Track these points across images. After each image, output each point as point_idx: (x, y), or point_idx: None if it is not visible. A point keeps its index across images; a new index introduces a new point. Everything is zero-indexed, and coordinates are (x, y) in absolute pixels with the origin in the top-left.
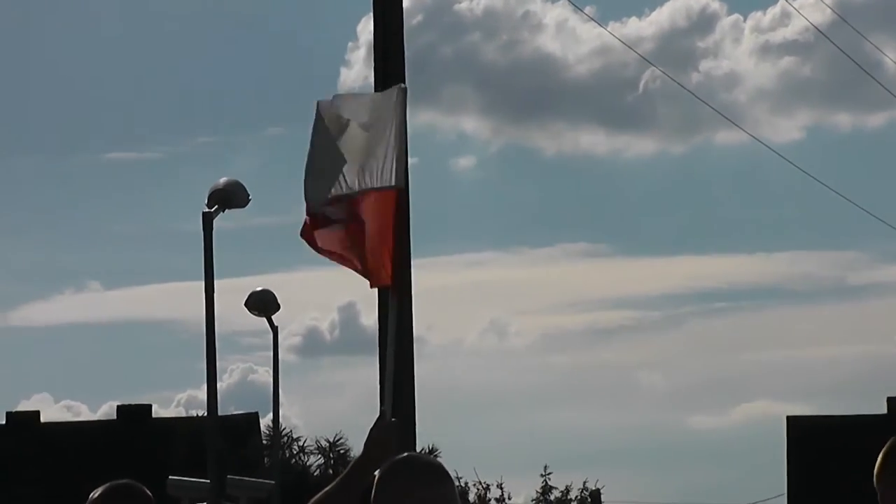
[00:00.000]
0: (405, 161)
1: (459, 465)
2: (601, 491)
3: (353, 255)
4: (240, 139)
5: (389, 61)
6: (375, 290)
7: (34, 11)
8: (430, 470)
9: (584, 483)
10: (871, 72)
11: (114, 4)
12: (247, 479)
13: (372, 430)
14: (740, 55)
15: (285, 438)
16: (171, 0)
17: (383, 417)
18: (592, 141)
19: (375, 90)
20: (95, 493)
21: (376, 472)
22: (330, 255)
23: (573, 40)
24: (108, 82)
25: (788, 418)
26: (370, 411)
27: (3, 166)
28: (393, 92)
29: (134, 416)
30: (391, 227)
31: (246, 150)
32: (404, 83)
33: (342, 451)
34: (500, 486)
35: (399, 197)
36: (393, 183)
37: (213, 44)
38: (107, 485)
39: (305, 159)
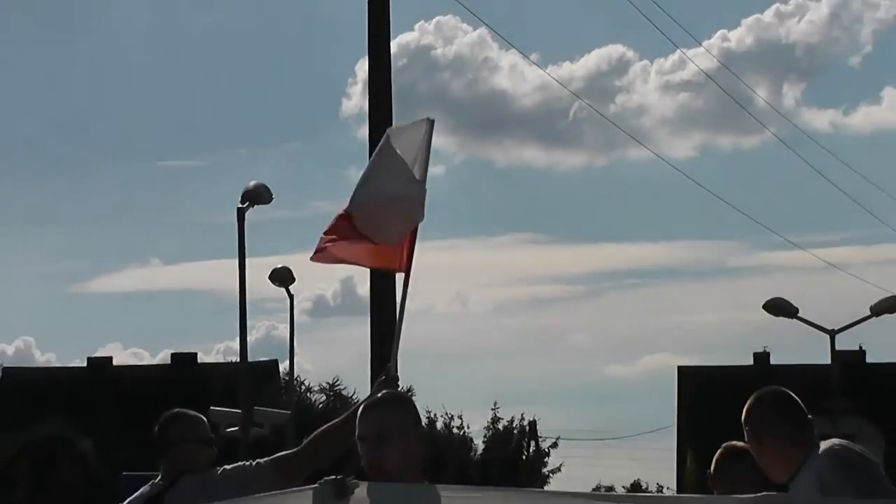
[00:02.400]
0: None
1: (430, 402)
2: (537, 421)
3: (368, 255)
4: (265, 151)
5: (380, 93)
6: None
7: (103, 44)
8: (372, 404)
9: (523, 415)
10: (745, 105)
11: (162, 50)
12: (269, 410)
13: (378, 383)
14: (647, 91)
15: (297, 380)
16: (211, 42)
17: (388, 371)
18: (534, 155)
19: (369, 116)
20: (168, 415)
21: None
22: (342, 260)
23: (521, 79)
24: (162, 107)
25: (679, 368)
26: (362, 360)
27: (85, 171)
28: (422, 124)
29: (184, 361)
30: (410, 243)
31: (270, 159)
32: (391, 111)
33: (340, 390)
34: (460, 417)
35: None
36: (417, 221)
37: (245, 77)
38: (173, 410)
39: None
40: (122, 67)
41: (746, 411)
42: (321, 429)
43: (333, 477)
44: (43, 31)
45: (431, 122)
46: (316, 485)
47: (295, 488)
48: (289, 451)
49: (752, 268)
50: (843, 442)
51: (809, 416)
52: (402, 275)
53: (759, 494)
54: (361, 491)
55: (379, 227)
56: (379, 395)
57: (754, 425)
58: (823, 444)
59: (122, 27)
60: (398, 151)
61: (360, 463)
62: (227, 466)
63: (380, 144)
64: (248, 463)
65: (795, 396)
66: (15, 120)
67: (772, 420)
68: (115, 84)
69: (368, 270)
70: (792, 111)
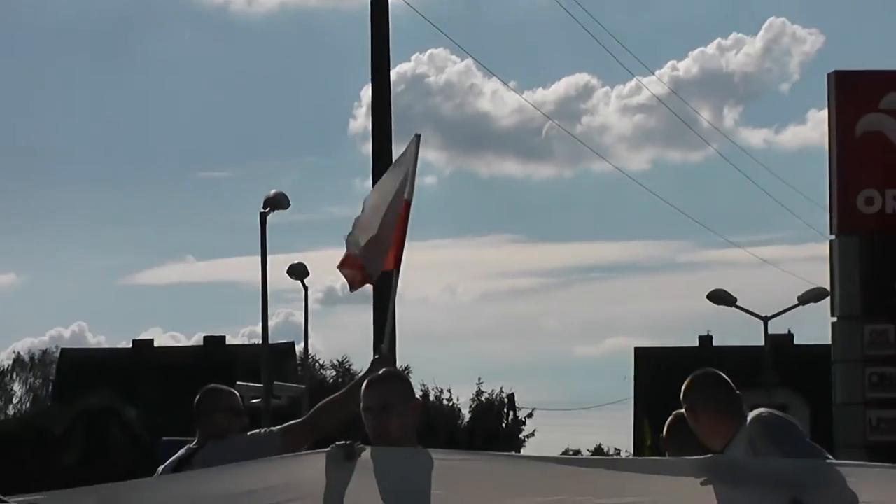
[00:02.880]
0: (413, 185)
1: (424, 378)
2: (514, 394)
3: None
4: (284, 164)
5: (382, 114)
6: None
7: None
8: (378, 378)
9: (503, 389)
10: (691, 125)
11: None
12: (286, 384)
13: (373, 361)
14: (608, 113)
15: (311, 359)
16: (239, 72)
17: (381, 351)
18: (512, 167)
19: (372, 134)
20: (204, 388)
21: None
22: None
23: (501, 102)
24: (201, 127)
25: (636, 349)
26: (365, 342)
27: (134, 179)
28: (413, 142)
29: (214, 343)
30: (402, 230)
31: (288, 171)
32: (391, 129)
33: (347, 367)
34: (449, 391)
35: (407, 207)
36: (406, 197)
37: (267, 102)
38: (209, 385)
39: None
40: (169, 94)
41: (684, 391)
42: (323, 402)
43: (344, 442)
44: (101, 61)
45: (418, 137)
46: (329, 448)
47: (312, 450)
48: (296, 421)
49: (697, 263)
50: (769, 410)
51: (738, 392)
52: (394, 272)
53: (706, 456)
54: (367, 454)
55: (368, 236)
56: (381, 371)
57: (690, 402)
58: (751, 413)
59: (168, 60)
60: (389, 175)
61: (364, 430)
62: (248, 433)
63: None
64: (261, 431)
65: (724, 376)
66: (79, 136)
67: (704, 397)
68: (163, 107)
69: None
70: (731, 130)
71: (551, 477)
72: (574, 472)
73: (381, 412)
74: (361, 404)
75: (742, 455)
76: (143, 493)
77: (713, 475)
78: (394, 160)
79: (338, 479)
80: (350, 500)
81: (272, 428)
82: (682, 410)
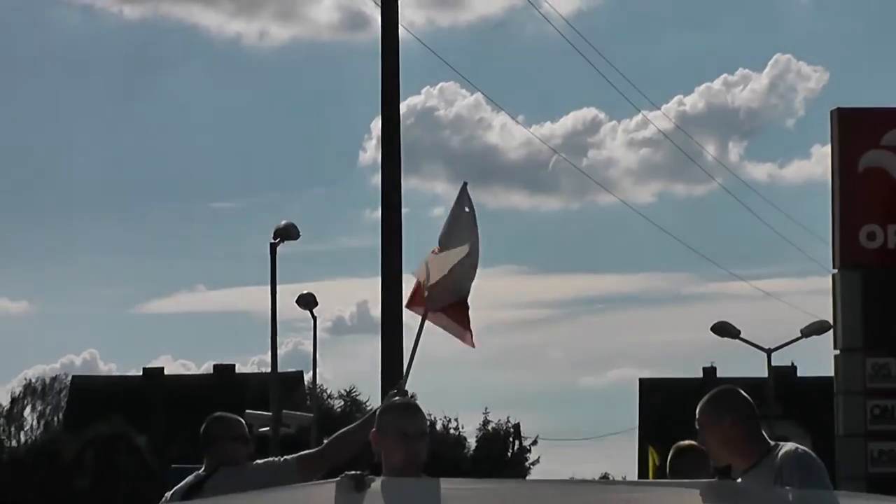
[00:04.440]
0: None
1: (432, 406)
2: (520, 424)
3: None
4: (295, 195)
5: (392, 147)
6: (379, 292)
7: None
8: (407, 405)
9: (509, 418)
10: (696, 159)
11: (212, 113)
12: (295, 413)
13: (392, 392)
14: (614, 147)
15: (319, 388)
16: (251, 106)
17: (399, 387)
18: (519, 199)
19: (382, 166)
20: (211, 417)
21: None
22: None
23: (509, 136)
24: (212, 158)
25: (640, 379)
26: (374, 371)
27: (146, 210)
28: (464, 194)
29: (224, 371)
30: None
31: (299, 202)
32: (400, 162)
33: (355, 396)
34: (456, 420)
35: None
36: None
37: (279, 134)
38: (216, 413)
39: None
40: (181, 126)
41: (711, 401)
42: (337, 433)
43: (353, 472)
44: (115, 94)
45: (464, 185)
46: (338, 478)
47: (320, 481)
48: (311, 451)
49: (701, 295)
50: (804, 447)
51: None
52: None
53: (710, 480)
54: (377, 485)
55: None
56: (408, 400)
57: (719, 413)
58: (787, 445)
59: (180, 93)
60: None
61: (373, 460)
62: (259, 461)
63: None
64: (276, 459)
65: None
66: (90, 167)
67: (740, 410)
68: (175, 139)
69: (379, 295)
70: (736, 165)
71: (558, 501)
72: (580, 496)
73: (420, 438)
74: (395, 428)
75: (762, 482)
76: None
77: (719, 500)
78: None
79: None
80: None
81: (287, 457)
82: (682, 443)
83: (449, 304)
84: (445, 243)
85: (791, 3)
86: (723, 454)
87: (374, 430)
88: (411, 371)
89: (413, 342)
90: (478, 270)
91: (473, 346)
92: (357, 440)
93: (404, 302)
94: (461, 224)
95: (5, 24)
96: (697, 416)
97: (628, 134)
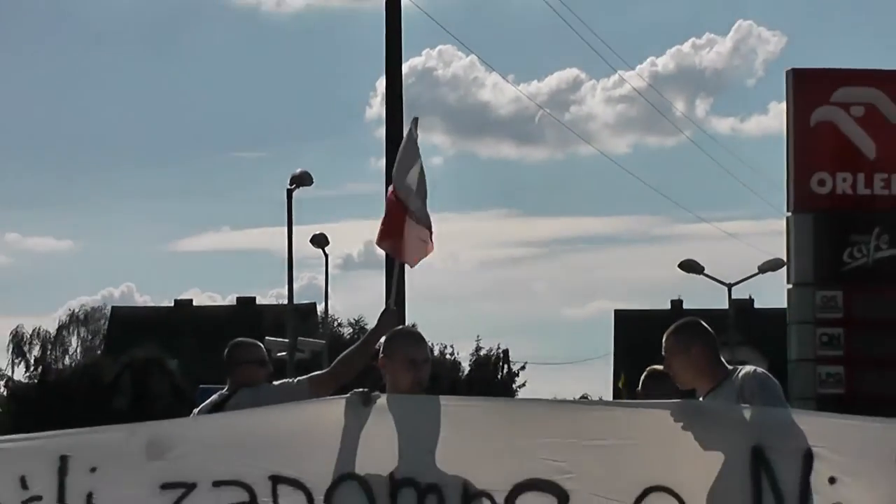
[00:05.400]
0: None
1: (430, 334)
2: (509, 350)
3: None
4: (308, 145)
5: (394, 103)
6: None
7: (195, 65)
8: (413, 335)
9: (499, 345)
10: (666, 114)
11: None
12: (309, 339)
13: (381, 314)
14: (594, 103)
15: (330, 317)
16: (270, 66)
17: (388, 307)
18: (508, 150)
19: (386, 121)
20: (233, 342)
21: (383, 337)
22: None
23: (500, 93)
24: (236, 112)
25: (615, 311)
26: (378, 302)
27: (180, 159)
28: (412, 124)
29: (246, 302)
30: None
31: (312, 152)
32: (402, 116)
33: (362, 325)
34: (451, 346)
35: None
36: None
37: (294, 92)
38: (238, 339)
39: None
40: (207, 83)
41: (676, 330)
42: (343, 354)
43: (361, 389)
44: (147, 54)
45: (415, 119)
46: (347, 395)
47: (332, 397)
48: (321, 372)
49: (670, 236)
50: (762, 369)
51: None
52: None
53: (677, 400)
54: (382, 401)
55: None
56: (413, 329)
57: (685, 341)
58: (747, 367)
59: (206, 54)
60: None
61: (381, 381)
62: (276, 382)
63: (403, 142)
64: (291, 380)
65: None
66: (128, 121)
67: (702, 338)
68: (201, 95)
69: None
70: (702, 119)
71: (542, 419)
72: (563, 415)
73: (424, 364)
74: (402, 355)
75: (724, 400)
76: (183, 430)
77: (686, 418)
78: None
79: (355, 421)
80: (365, 440)
81: (301, 377)
82: (654, 367)
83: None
84: (399, 181)
85: None
86: (688, 378)
87: (382, 355)
88: (405, 297)
89: (397, 272)
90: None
91: (412, 265)
92: (360, 359)
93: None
94: (407, 155)
95: None
96: (664, 345)
97: (606, 91)
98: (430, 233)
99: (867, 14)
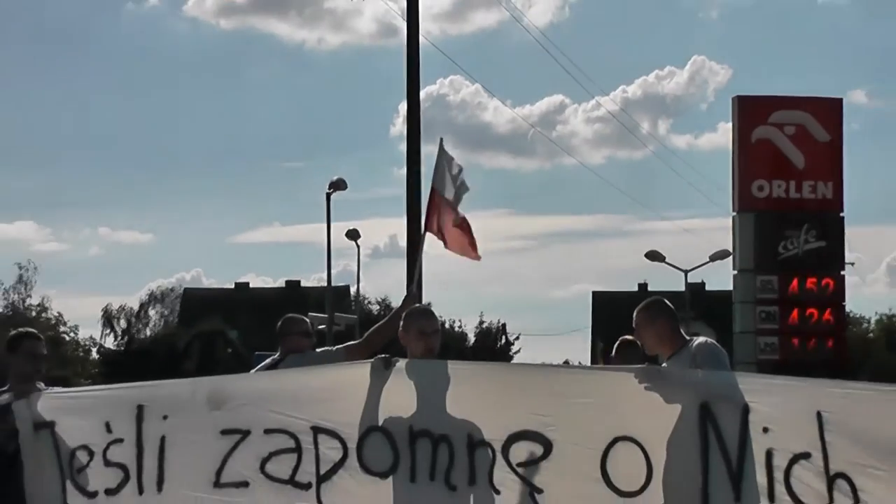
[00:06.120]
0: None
1: (442, 311)
2: (506, 324)
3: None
4: (343, 157)
5: (414, 122)
6: (405, 228)
7: (252, 92)
8: (425, 311)
9: (499, 320)
10: (634, 132)
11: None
12: (344, 315)
13: (405, 297)
14: (576, 123)
15: (362, 297)
16: (312, 91)
17: (410, 291)
18: (506, 161)
19: (407, 137)
20: (284, 317)
21: (403, 314)
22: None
23: (500, 115)
24: (288, 129)
25: (593, 292)
26: (401, 285)
27: (240, 167)
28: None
29: (293, 285)
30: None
31: (346, 162)
32: (420, 134)
33: (388, 304)
34: (460, 321)
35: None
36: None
37: (333, 112)
38: (287, 315)
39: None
40: (262, 107)
41: (647, 306)
42: (373, 328)
43: (383, 355)
44: (214, 83)
45: (440, 140)
46: (372, 359)
47: (360, 361)
48: (354, 342)
49: (638, 231)
50: (712, 340)
51: None
52: (430, 238)
53: (640, 365)
54: (401, 364)
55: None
56: (425, 307)
57: (652, 314)
58: (700, 338)
59: (261, 82)
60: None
61: (403, 348)
62: (318, 349)
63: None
64: (330, 348)
65: None
66: (199, 137)
67: (666, 312)
68: (258, 117)
69: (406, 232)
70: (664, 136)
71: (532, 381)
72: (549, 377)
73: (434, 335)
74: (416, 328)
75: (681, 366)
76: (238, 384)
77: (648, 380)
78: (426, 157)
79: (378, 382)
80: (387, 397)
81: (338, 346)
82: (625, 337)
83: (454, 226)
84: (440, 188)
85: (706, 17)
86: (654, 346)
87: (401, 329)
88: (423, 282)
89: (418, 262)
90: (476, 213)
91: (478, 258)
92: (388, 332)
93: (422, 232)
94: (443, 169)
95: (139, 35)
96: (635, 319)
97: (586, 113)
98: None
99: (799, 50)
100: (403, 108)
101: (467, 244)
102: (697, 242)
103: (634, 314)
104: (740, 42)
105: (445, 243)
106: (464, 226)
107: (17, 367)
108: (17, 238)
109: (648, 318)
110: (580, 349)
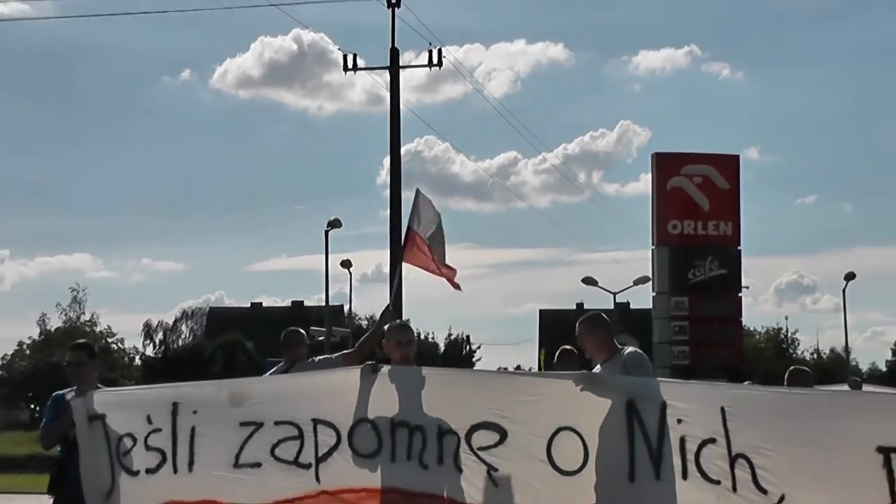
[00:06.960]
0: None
1: (417, 324)
2: (469, 336)
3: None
4: (338, 201)
5: (396, 173)
6: (388, 258)
7: (267, 144)
8: (401, 325)
9: (462, 332)
10: (573, 181)
11: (291, 150)
12: (339, 329)
13: (382, 311)
14: (526, 174)
15: (353, 315)
16: (308, 145)
17: (387, 307)
18: (469, 205)
19: (390, 185)
20: (288, 330)
21: (385, 327)
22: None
23: (464, 167)
24: (292, 178)
25: (540, 310)
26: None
27: (254, 208)
28: (416, 193)
29: (298, 304)
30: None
31: (341, 205)
32: (401, 183)
33: (376, 320)
34: (432, 333)
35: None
36: (415, 227)
37: (328, 166)
38: (291, 328)
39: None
40: (271, 160)
41: (588, 318)
42: (361, 339)
43: (371, 362)
44: (230, 140)
45: (417, 190)
46: (361, 366)
47: (352, 367)
48: (349, 350)
49: (576, 261)
50: (639, 350)
51: None
52: (405, 265)
53: (578, 371)
54: (385, 370)
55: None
56: (406, 320)
57: (592, 324)
58: (629, 348)
59: (271, 141)
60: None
61: (387, 357)
62: (319, 357)
63: (414, 202)
64: (329, 356)
65: None
66: (218, 184)
67: (604, 323)
68: (268, 170)
69: (388, 262)
70: (597, 184)
71: (490, 383)
72: (504, 380)
73: (409, 345)
74: (394, 339)
75: (613, 371)
76: (254, 386)
77: (585, 383)
78: (405, 202)
79: (367, 384)
80: (374, 395)
81: (335, 354)
82: (565, 347)
83: (439, 263)
84: (424, 229)
85: (631, 90)
86: (593, 351)
87: (384, 340)
88: (402, 302)
89: (395, 284)
90: (446, 247)
91: (459, 289)
92: (372, 342)
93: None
94: (427, 213)
95: (173, 103)
96: (578, 329)
97: (534, 166)
98: (436, 263)
99: (704, 116)
100: (387, 161)
101: (443, 272)
102: (623, 270)
103: (578, 325)
104: (658, 109)
105: (421, 266)
106: (442, 262)
107: (100, 371)
108: (76, 267)
109: (590, 329)
110: (530, 356)
